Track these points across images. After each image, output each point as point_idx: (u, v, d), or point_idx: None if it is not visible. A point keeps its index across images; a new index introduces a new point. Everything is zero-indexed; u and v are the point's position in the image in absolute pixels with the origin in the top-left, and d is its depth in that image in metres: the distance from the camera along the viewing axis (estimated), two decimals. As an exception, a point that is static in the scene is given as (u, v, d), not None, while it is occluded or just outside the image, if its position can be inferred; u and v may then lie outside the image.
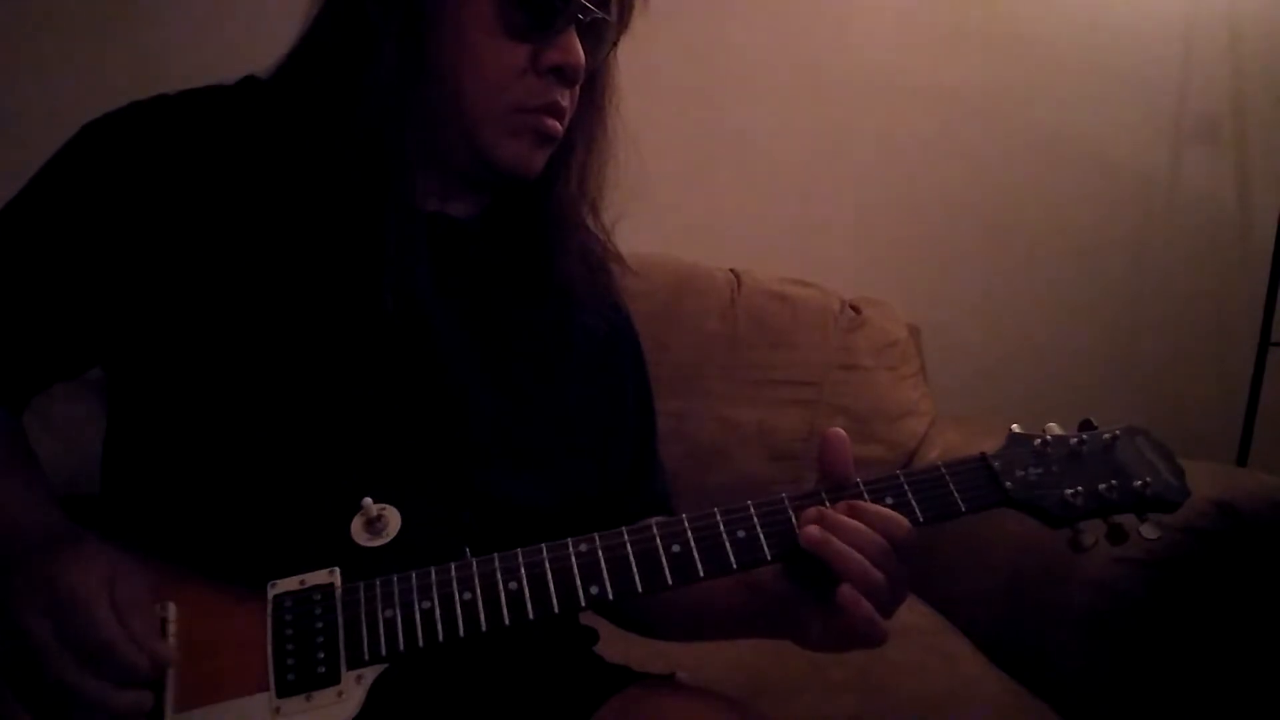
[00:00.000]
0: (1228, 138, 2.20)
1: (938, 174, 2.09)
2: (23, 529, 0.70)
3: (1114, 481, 0.74)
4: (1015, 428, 0.77)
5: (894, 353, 1.82)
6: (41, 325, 0.78)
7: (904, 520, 0.70)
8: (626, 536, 0.70)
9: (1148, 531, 0.74)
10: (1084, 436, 0.77)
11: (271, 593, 0.68)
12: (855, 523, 0.69)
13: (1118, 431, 0.77)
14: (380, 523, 0.70)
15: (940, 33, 2.06)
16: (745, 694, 0.86)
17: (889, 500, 0.72)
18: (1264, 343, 2.05)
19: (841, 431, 0.74)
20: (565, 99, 0.83)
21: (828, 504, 0.72)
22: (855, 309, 1.83)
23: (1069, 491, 0.74)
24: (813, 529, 0.69)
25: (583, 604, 0.69)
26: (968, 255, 2.14)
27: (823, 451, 0.74)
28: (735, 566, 0.70)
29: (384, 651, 0.66)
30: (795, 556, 0.71)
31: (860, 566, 0.67)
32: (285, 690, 0.65)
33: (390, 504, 0.71)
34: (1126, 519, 0.75)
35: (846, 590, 0.67)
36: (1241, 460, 2.06)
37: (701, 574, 0.70)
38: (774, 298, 1.77)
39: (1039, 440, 0.76)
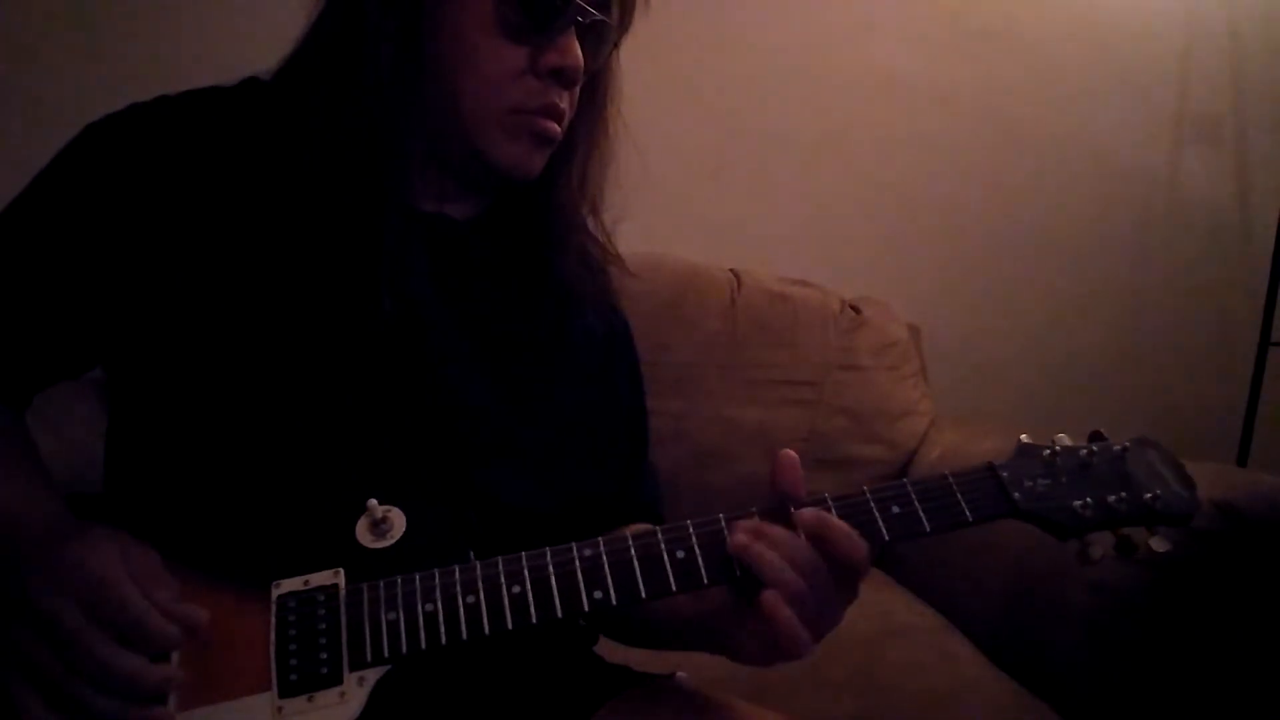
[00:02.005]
0: (1228, 138, 2.20)
1: (938, 174, 2.10)
2: (30, 523, 0.70)
3: (1123, 494, 0.74)
4: (1024, 438, 0.77)
5: (894, 353, 1.82)
6: (44, 324, 0.79)
7: (861, 546, 0.68)
8: (630, 542, 0.70)
9: (1157, 544, 0.74)
10: (1094, 447, 0.76)
11: (275, 593, 0.68)
12: (784, 532, 0.68)
13: (1128, 443, 0.77)
14: (385, 524, 0.70)
15: (940, 33, 2.06)
16: (745, 694, 0.86)
17: (895, 509, 0.72)
18: (1264, 343, 2.05)
19: (793, 454, 0.73)
20: (564, 101, 0.82)
21: (832, 508, 0.71)
22: (855, 309, 1.83)
23: (1078, 503, 0.73)
24: (739, 537, 0.68)
25: (586, 608, 0.68)
26: (968, 255, 2.14)
27: (775, 473, 0.72)
28: (738, 573, 0.70)
29: (386, 653, 0.66)
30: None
31: (778, 572, 0.66)
32: (287, 690, 0.65)
33: (394, 505, 0.71)
34: (1135, 531, 0.74)
35: (768, 595, 0.66)
36: (1241, 460, 2.07)
37: (705, 580, 0.70)
38: (774, 298, 1.77)
39: (1048, 450, 0.76)
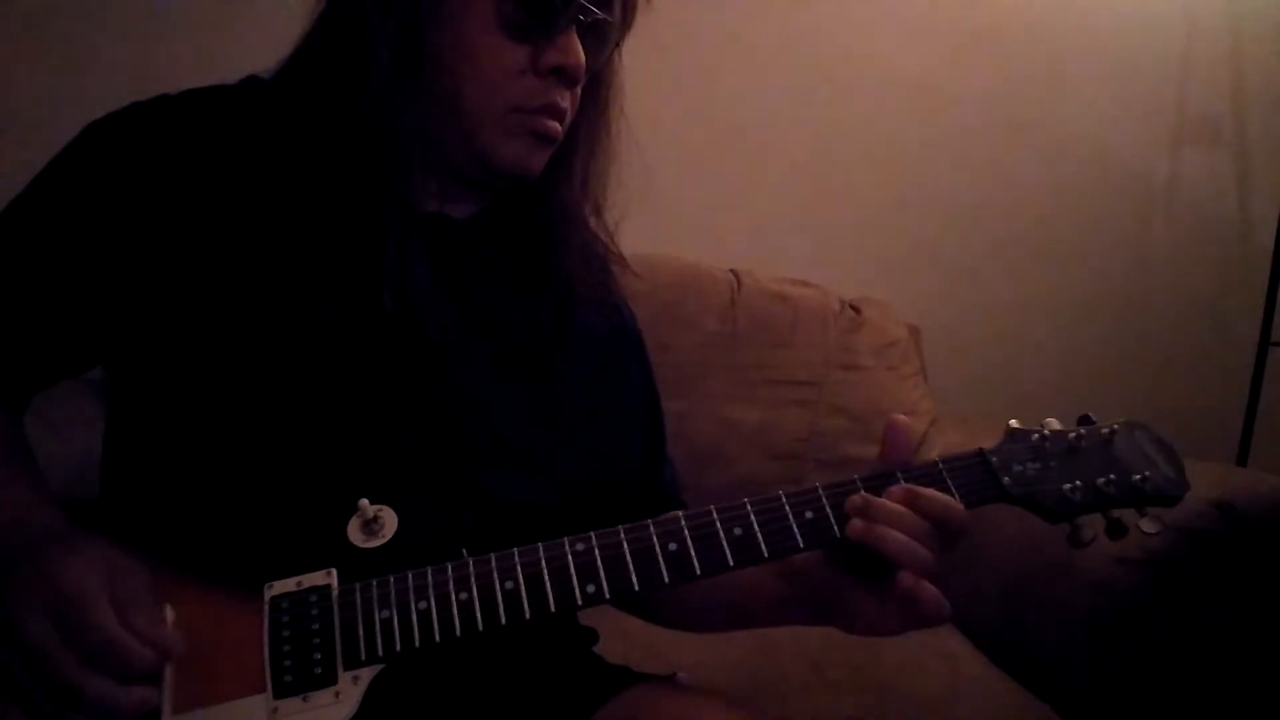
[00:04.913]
0: (1228, 138, 2.20)
1: (938, 174, 2.09)
2: (24, 529, 0.70)
3: (1112, 476, 0.74)
4: (1013, 423, 0.77)
5: (894, 353, 1.82)
6: (43, 324, 0.79)
7: (957, 504, 0.70)
8: (623, 535, 0.71)
9: (1147, 526, 0.74)
10: (1082, 431, 0.77)
11: (268, 594, 0.68)
12: (898, 507, 0.70)
13: (1116, 426, 0.77)
14: (377, 524, 0.70)
15: (940, 33, 2.06)
16: (745, 694, 0.86)
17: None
18: (1264, 343, 2.05)
19: (904, 418, 0.75)
20: (565, 100, 0.82)
21: (824, 498, 0.72)
22: (855, 309, 1.83)
23: (1067, 486, 0.74)
24: (856, 522, 0.70)
25: (579, 603, 0.69)
26: (968, 255, 2.14)
27: (888, 436, 0.75)
28: (732, 564, 0.70)
29: (380, 652, 0.66)
30: (798, 554, 0.71)
31: (908, 548, 0.68)
32: (282, 691, 0.65)
33: (387, 505, 0.71)
34: (1126, 514, 0.75)
35: (906, 577, 0.68)
36: (1241, 460, 2.06)
37: (698, 572, 0.70)
38: (774, 298, 1.77)
39: (1037, 435, 0.76)
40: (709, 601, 0.86)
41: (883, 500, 0.70)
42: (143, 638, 0.63)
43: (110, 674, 0.62)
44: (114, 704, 0.61)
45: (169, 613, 0.68)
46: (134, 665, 0.62)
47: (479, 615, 0.67)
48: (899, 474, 0.73)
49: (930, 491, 0.71)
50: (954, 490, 0.73)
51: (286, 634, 0.67)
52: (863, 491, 0.72)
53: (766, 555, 0.71)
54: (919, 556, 0.68)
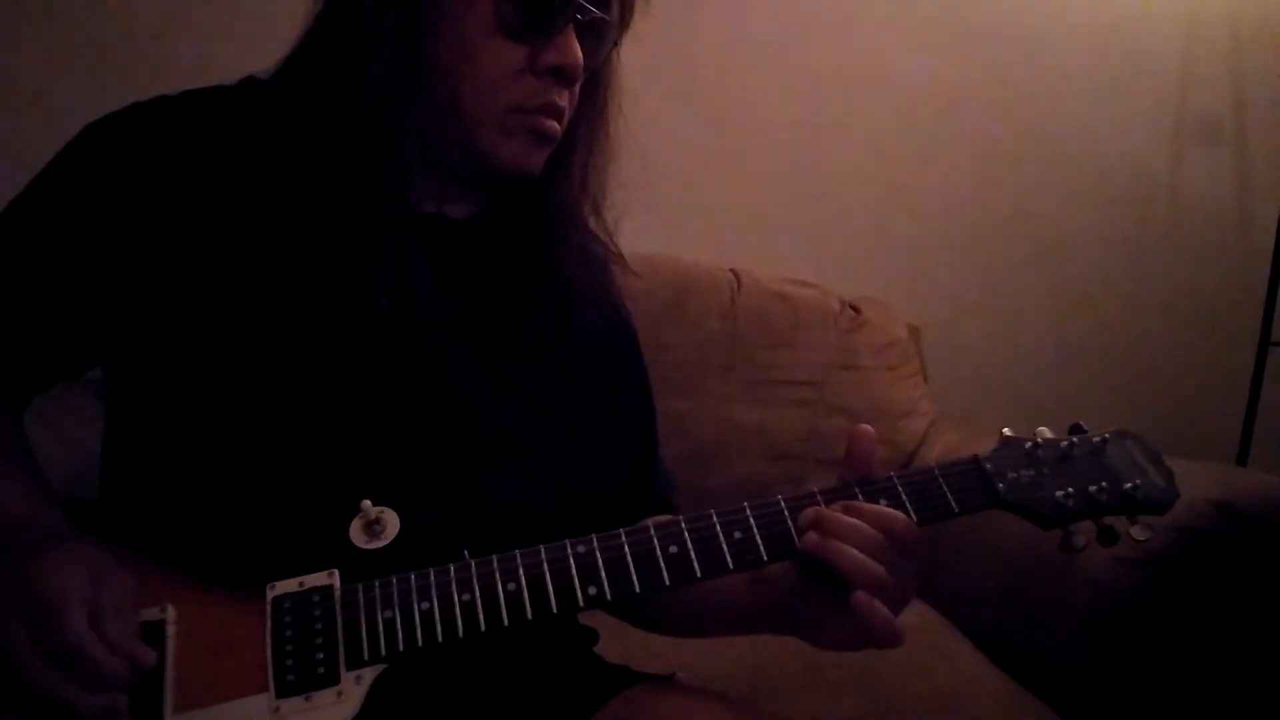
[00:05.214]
0: (1228, 138, 2.20)
1: (938, 174, 2.09)
2: (21, 528, 0.70)
3: (1104, 484, 0.75)
4: (1007, 431, 0.78)
5: (894, 353, 1.82)
6: (42, 325, 0.79)
7: (901, 516, 0.70)
8: (624, 538, 0.71)
9: (1138, 533, 0.75)
10: (1074, 439, 0.77)
11: (270, 594, 0.68)
12: (852, 520, 0.69)
13: (1107, 435, 0.78)
14: (379, 525, 0.71)
15: (941, 33, 2.06)
16: (745, 694, 0.86)
17: (883, 502, 0.72)
18: (1264, 343, 2.05)
19: (869, 428, 0.75)
20: (563, 99, 0.82)
21: (822, 505, 0.72)
22: (855, 309, 1.83)
23: (1060, 493, 0.75)
24: (811, 535, 0.69)
25: (581, 604, 0.69)
26: (968, 255, 2.14)
27: (851, 446, 0.74)
28: (732, 567, 0.71)
29: (383, 652, 0.66)
30: (797, 557, 0.71)
31: (861, 564, 0.67)
32: (284, 691, 0.65)
33: (389, 506, 0.71)
34: (1117, 521, 0.76)
35: (860, 596, 0.66)
36: (1241, 460, 2.06)
37: (699, 574, 0.70)
38: (774, 298, 1.77)
39: (1030, 443, 0.77)
40: (685, 609, 0.86)
41: (836, 514, 0.70)
42: (114, 648, 0.62)
43: (75, 680, 0.61)
44: (77, 709, 0.61)
45: (171, 612, 0.68)
46: (99, 674, 0.62)
47: (481, 616, 0.67)
48: (895, 478, 0.73)
49: (871, 505, 0.70)
50: (950, 496, 0.73)
51: (289, 634, 0.67)
52: (861, 497, 0.72)
53: (766, 559, 0.71)
54: (872, 572, 0.67)
